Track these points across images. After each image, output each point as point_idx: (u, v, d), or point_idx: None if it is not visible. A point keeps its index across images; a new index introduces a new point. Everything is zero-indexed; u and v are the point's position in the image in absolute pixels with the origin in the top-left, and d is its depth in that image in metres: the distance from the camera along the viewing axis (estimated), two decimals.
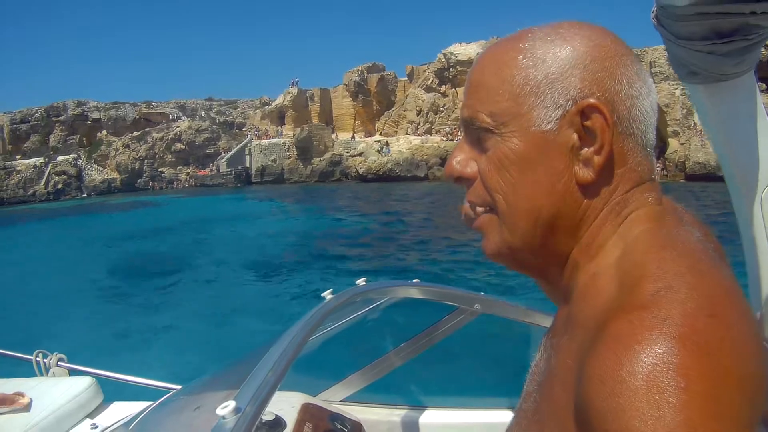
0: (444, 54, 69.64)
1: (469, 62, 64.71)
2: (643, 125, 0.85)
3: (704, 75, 1.73)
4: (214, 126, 77.69)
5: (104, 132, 78.88)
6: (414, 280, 3.01)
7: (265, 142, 71.71)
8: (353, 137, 71.42)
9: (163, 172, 74.81)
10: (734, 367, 0.65)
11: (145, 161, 74.43)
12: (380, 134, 71.88)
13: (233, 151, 71.17)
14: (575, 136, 0.84)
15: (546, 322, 2.84)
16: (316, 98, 78.89)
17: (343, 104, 77.28)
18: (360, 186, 57.63)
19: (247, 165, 70.61)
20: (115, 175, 75.20)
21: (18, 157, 75.41)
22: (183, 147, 74.67)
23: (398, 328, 3.28)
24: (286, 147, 70.02)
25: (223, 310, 14.55)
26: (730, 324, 0.68)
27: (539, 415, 0.88)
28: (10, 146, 77.33)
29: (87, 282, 19.28)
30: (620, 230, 0.85)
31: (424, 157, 61.01)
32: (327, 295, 2.54)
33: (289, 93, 78.72)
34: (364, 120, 75.70)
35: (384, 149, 64.07)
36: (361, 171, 62.46)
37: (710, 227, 0.96)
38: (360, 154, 64.94)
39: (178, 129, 75.76)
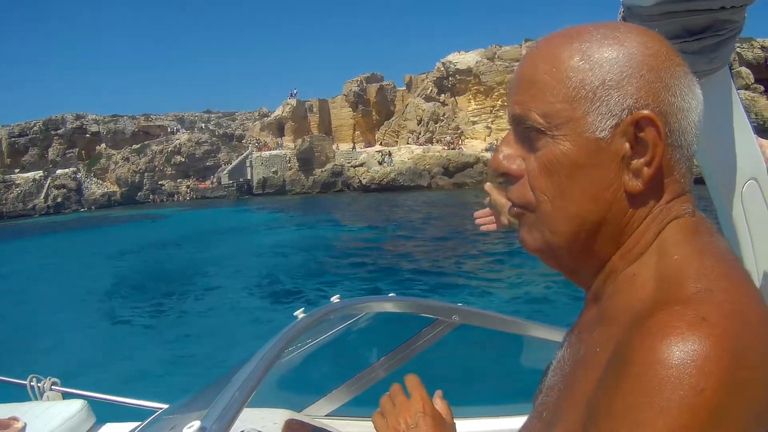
0: (443, 63, 69.77)
1: (467, 71, 65.19)
2: (690, 138, 0.86)
3: None
4: (214, 138, 77.74)
5: (103, 145, 78.65)
6: (390, 294, 3.09)
7: (266, 153, 71.65)
8: (354, 148, 71.53)
9: (164, 185, 74.61)
10: (756, 371, 0.67)
11: (145, 174, 74.26)
12: (380, 144, 72.02)
13: (234, 163, 71.11)
14: (627, 145, 0.83)
15: (527, 329, 2.93)
16: (315, 109, 78.96)
17: (342, 115, 77.36)
18: (364, 196, 57.48)
19: (249, 177, 70.64)
20: (115, 188, 74.96)
21: (16, 170, 75.18)
22: (183, 159, 74.56)
23: (380, 342, 3.29)
24: (287, 158, 70.03)
25: (230, 327, 14.24)
26: (759, 333, 0.71)
27: (561, 401, 0.89)
28: (8, 160, 77.01)
29: (89, 299, 18.92)
30: (660, 237, 0.86)
31: (427, 166, 60.98)
32: (299, 314, 2.58)
33: (288, 104, 78.80)
34: (364, 130, 75.76)
35: (386, 159, 64.09)
36: (364, 181, 62.36)
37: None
38: (362, 165, 64.95)
39: (178, 141, 75.68)
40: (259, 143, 75.16)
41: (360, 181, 62.75)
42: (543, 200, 0.88)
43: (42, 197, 72.75)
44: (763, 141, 2.00)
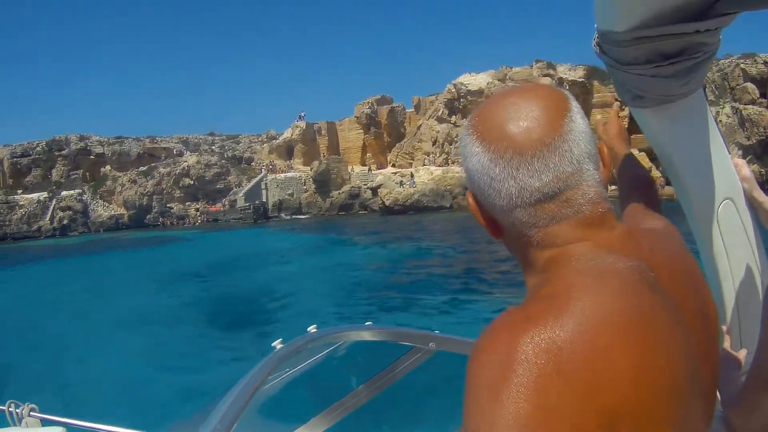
0: (454, 84, 69.67)
1: (479, 92, 65.17)
2: (487, 191, 1.02)
3: (649, 98, 1.78)
4: (223, 161, 76.61)
5: (108, 167, 77.23)
6: (367, 323, 3.21)
7: (281, 176, 70.90)
8: (370, 169, 71.00)
9: (172, 208, 73.19)
10: (553, 389, 0.76)
11: (154, 197, 72.82)
12: (392, 166, 71.55)
13: (250, 185, 70.01)
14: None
15: None
16: (323, 131, 78.61)
17: (350, 137, 77.02)
18: (385, 218, 56.82)
19: (264, 199, 69.59)
20: (123, 210, 73.40)
21: (19, 191, 73.68)
22: (192, 182, 73.30)
23: (358, 369, 3.30)
24: (303, 180, 69.32)
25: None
26: (588, 338, 0.80)
27: None
28: (11, 180, 75.27)
29: (158, 321, 18.39)
30: (551, 257, 0.99)
31: (448, 187, 60.62)
32: (277, 344, 2.69)
33: (297, 127, 78.24)
34: (375, 152, 75.25)
35: (409, 181, 63.62)
36: (387, 202, 61.52)
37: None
38: (380, 186, 64.35)
39: (186, 164, 74.42)
40: (272, 166, 74.29)
41: (383, 203, 62.07)
42: None
43: (48, 219, 71.27)
44: (738, 160, 2.03)
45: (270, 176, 70.88)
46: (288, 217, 66.16)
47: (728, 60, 56.15)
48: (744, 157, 51.13)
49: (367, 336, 3.10)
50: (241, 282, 25.33)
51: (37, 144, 77.11)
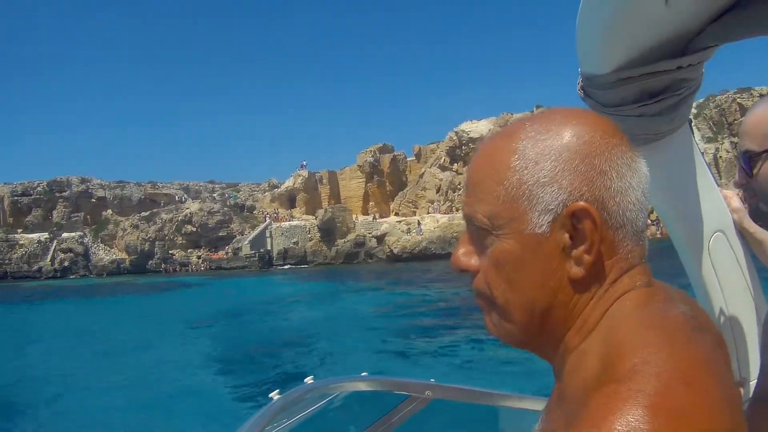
0: (456, 132, 70.76)
1: (481, 139, 65.66)
2: (633, 215, 0.89)
3: (637, 138, 1.76)
4: (225, 208, 76.58)
5: (110, 211, 76.95)
6: (362, 374, 3.18)
7: (285, 224, 70.82)
8: (374, 218, 71.25)
9: (174, 254, 72.56)
10: (706, 430, 0.71)
11: (156, 242, 72.21)
12: (394, 214, 72.03)
13: (255, 233, 69.80)
14: (567, 236, 0.88)
15: (504, 401, 3.07)
16: (324, 180, 79.26)
17: (351, 186, 77.74)
18: (393, 265, 56.50)
19: (269, 247, 69.28)
20: (124, 255, 72.72)
21: (19, 230, 72.97)
22: (194, 229, 72.94)
23: (355, 420, 3.29)
24: (307, 229, 69.21)
25: None
26: (704, 391, 0.75)
27: None
28: (10, 219, 74.66)
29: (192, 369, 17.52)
30: (609, 312, 0.90)
31: (455, 234, 60.55)
32: (274, 395, 2.74)
33: (299, 176, 78.96)
34: (378, 201, 75.85)
35: (416, 228, 63.93)
36: (396, 250, 61.66)
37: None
38: (385, 235, 64.62)
39: (188, 211, 74.29)
40: (276, 214, 74.46)
41: (391, 251, 62.13)
42: (497, 294, 0.93)
43: (48, 260, 70.55)
44: (728, 192, 2.05)
45: (275, 224, 70.84)
46: (291, 266, 65.98)
47: (725, 95, 58.89)
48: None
49: (362, 386, 3.13)
50: (255, 328, 25.07)
51: (38, 184, 76.81)
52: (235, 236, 72.88)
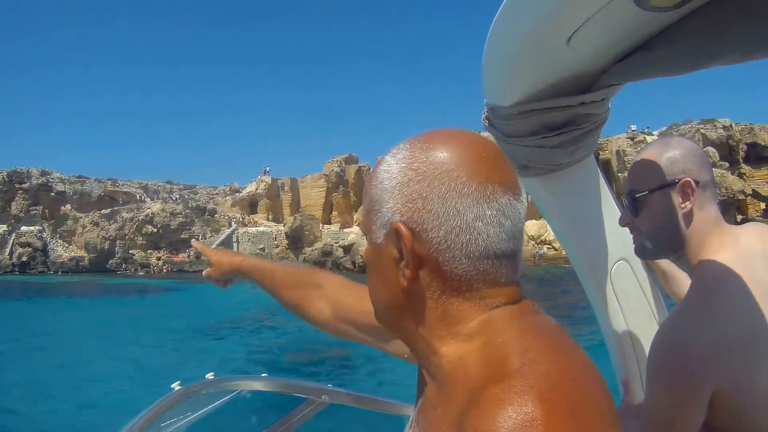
0: None
1: None
2: (465, 237, 0.92)
3: (536, 168, 1.89)
4: (187, 210, 75.61)
5: (68, 206, 74.96)
6: (262, 375, 3.24)
7: (252, 230, 70.71)
8: (342, 228, 71.67)
9: (134, 255, 71.25)
10: (593, 421, 0.79)
11: (117, 241, 70.84)
12: (357, 224, 71.85)
13: (222, 237, 69.13)
14: (395, 250, 0.97)
15: (398, 410, 3.11)
16: (286, 187, 79.06)
17: (312, 194, 77.76)
18: (361, 276, 55.96)
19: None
20: (83, 253, 70.96)
21: None
22: (155, 230, 71.85)
23: (254, 419, 3.42)
24: (274, 236, 69.12)
25: None
26: (587, 386, 0.84)
27: None
28: None
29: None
30: (485, 322, 0.95)
31: None
32: (175, 386, 2.76)
33: (263, 181, 78.63)
34: (342, 211, 76.19)
35: None
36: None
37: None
38: (352, 245, 64.82)
39: (150, 211, 73.02)
40: (242, 219, 74.02)
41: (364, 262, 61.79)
42: (369, 292, 1.09)
43: (7, 254, 68.34)
44: None
45: (241, 229, 70.44)
46: None
47: (689, 125, 59.81)
48: None
49: (260, 386, 3.16)
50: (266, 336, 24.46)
51: None
52: (197, 239, 71.06)
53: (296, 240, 66.95)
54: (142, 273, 68.63)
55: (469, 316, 0.95)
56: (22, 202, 73.61)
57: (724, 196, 52.76)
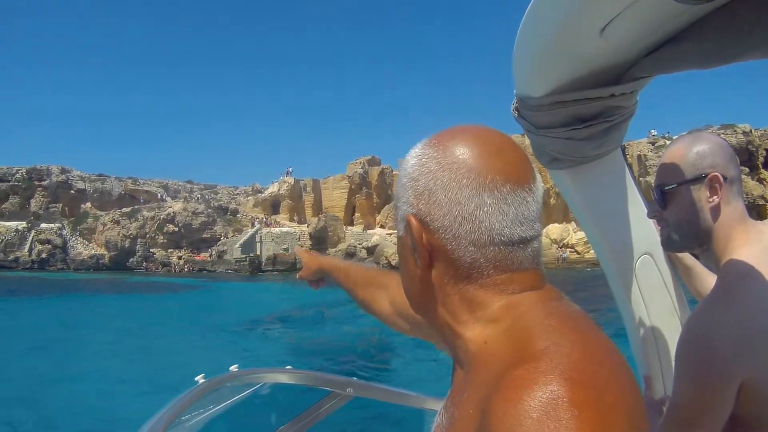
0: None
1: None
2: (468, 226, 0.96)
3: (565, 160, 1.87)
4: (209, 210, 74.74)
5: (89, 204, 74.49)
6: (287, 367, 3.24)
7: (276, 230, 69.85)
8: (365, 229, 70.99)
9: (155, 253, 70.44)
10: (618, 403, 0.79)
11: (138, 240, 69.99)
12: (380, 227, 72.02)
13: (245, 237, 68.26)
14: (410, 241, 1.01)
15: (422, 403, 3.11)
16: (309, 188, 78.45)
17: (333, 196, 77.16)
18: None
19: (258, 252, 67.88)
20: (103, 251, 70.32)
21: None
22: (176, 229, 70.98)
23: (278, 411, 3.33)
24: (297, 236, 68.14)
25: None
26: (612, 369, 0.84)
27: None
28: None
29: None
30: (510, 307, 0.97)
31: None
32: (199, 379, 2.77)
33: (285, 182, 77.91)
34: (365, 212, 75.36)
35: None
36: (394, 262, 60.50)
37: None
38: (375, 246, 64.26)
39: (171, 210, 72.22)
40: (266, 219, 73.23)
41: (389, 262, 61.39)
42: (400, 275, 1.12)
43: (26, 250, 67.91)
44: None
45: (264, 230, 69.66)
46: (280, 272, 64.49)
47: (709, 130, 58.40)
48: None
49: (285, 379, 3.17)
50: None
51: (17, 170, 73.94)
52: (218, 239, 71.42)
53: (320, 241, 65.89)
54: (163, 271, 68.02)
55: (489, 301, 0.98)
56: (42, 199, 73.06)
57: (744, 201, 51.72)
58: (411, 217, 0.99)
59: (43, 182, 73.57)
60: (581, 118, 1.65)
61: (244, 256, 66.29)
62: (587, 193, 2.01)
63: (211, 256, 69.45)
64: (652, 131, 65.82)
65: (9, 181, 72.73)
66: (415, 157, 1.02)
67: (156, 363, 17.57)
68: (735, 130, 58.15)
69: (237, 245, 67.67)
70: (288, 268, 65.23)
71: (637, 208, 2.07)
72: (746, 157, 56.40)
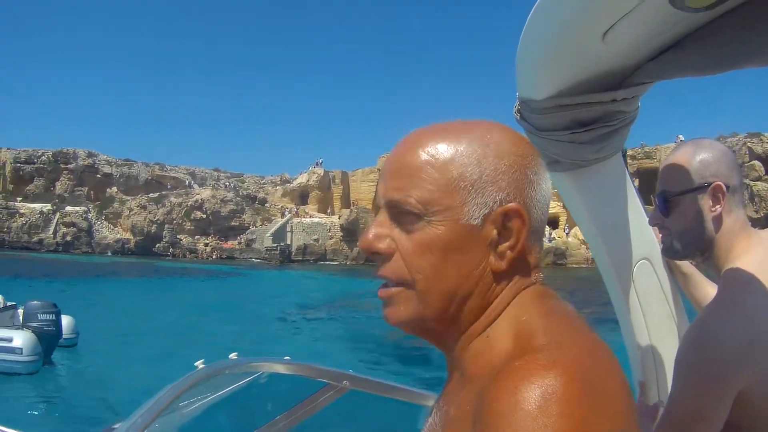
0: None
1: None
2: (543, 222, 0.99)
3: (565, 163, 1.87)
4: (238, 198, 73.24)
5: (115, 188, 73.40)
6: (285, 358, 3.31)
7: (307, 220, 68.58)
8: None
9: (181, 240, 69.08)
10: (612, 404, 0.79)
11: (165, 226, 68.61)
12: None
13: (276, 227, 67.02)
14: (495, 232, 0.94)
15: (417, 399, 3.12)
16: (337, 180, 76.91)
17: (361, 188, 75.28)
18: None
19: (288, 242, 66.75)
20: (129, 236, 69.11)
21: (19, 199, 69.18)
22: (204, 216, 69.46)
23: (275, 401, 3.38)
24: (328, 228, 67.08)
25: None
26: (610, 369, 0.84)
27: None
28: (11, 186, 70.35)
29: None
30: (513, 302, 0.96)
31: None
32: (199, 364, 2.84)
33: (314, 173, 76.14)
34: None
35: None
36: None
37: None
38: None
39: (199, 197, 70.74)
40: (297, 210, 71.86)
41: None
42: (419, 278, 0.95)
43: (51, 232, 66.68)
44: None
45: (295, 220, 68.50)
46: (311, 262, 64.00)
47: (735, 138, 58.54)
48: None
49: (282, 369, 3.21)
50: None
51: (43, 153, 72.59)
52: (247, 227, 69.96)
53: (351, 233, 64.36)
54: (190, 258, 66.64)
55: (505, 296, 0.97)
56: (67, 182, 71.73)
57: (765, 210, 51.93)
58: (520, 208, 0.94)
59: (69, 165, 72.31)
60: (582, 121, 1.63)
61: (275, 245, 64.98)
62: (586, 196, 1.99)
63: (240, 244, 68.11)
64: (680, 136, 62.98)
65: (35, 164, 71.49)
66: (511, 145, 0.97)
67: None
68: (761, 139, 56.70)
69: (268, 234, 66.45)
70: (317, 258, 64.20)
71: (636, 213, 2.05)
72: None
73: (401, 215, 0.96)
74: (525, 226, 0.94)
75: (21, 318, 14.91)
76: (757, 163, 54.31)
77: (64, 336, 15.66)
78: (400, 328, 1.00)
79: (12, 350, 13.75)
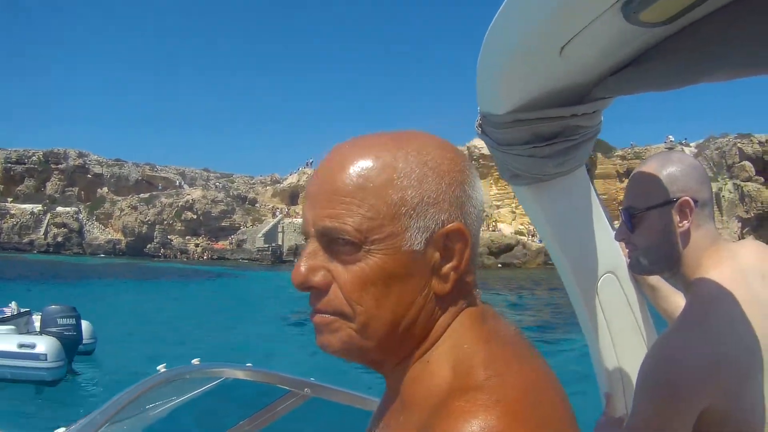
0: (467, 147, 68.55)
1: (491, 156, 64.34)
2: (479, 237, 0.96)
3: (526, 177, 1.85)
4: (228, 198, 73.29)
5: (105, 189, 73.25)
6: (247, 364, 3.35)
7: (298, 221, 67.80)
8: None
9: (172, 240, 69.06)
10: None
11: (156, 226, 68.59)
12: None
13: (268, 227, 67.11)
14: (438, 255, 0.90)
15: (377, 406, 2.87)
16: None
17: None
18: None
19: (279, 242, 66.89)
20: (120, 236, 69.03)
21: (9, 199, 68.93)
22: (194, 216, 69.45)
23: (237, 407, 3.43)
24: None
25: None
26: (552, 402, 0.83)
27: None
28: (1, 186, 70.16)
29: None
30: (453, 325, 0.93)
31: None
32: (161, 368, 2.87)
33: (304, 173, 75.95)
34: None
35: None
36: None
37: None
38: None
39: (190, 197, 70.71)
40: (287, 210, 71.98)
41: None
42: (359, 310, 0.89)
43: (42, 233, 66.61)
44: None
45: (286, 220, 68.56)
46: (293, 260, 62.13)
47: (726, 139, 59.87)
48: (742, 229, 55.47)
49: (243, 376, 3.23)
50: None
51: (33, 153, 72.42)
52: (237, 227, 70.09)
53: None
54: (181, 258, 66.58)
55: (444, 318, 0.94)
56: (58, 183, 71.69)
57: (760, 210, 52.99)
58: (463, 228, 0.90)
59: (59, 166, 72.23)
60: (543, 136, 1.61)
61: (266, 245, 65.00)
62: (549, 209, 1.95)
63: (230, 244, 68.18)
64: (670, 137, 65.24)
65: (25, 164, 71.36)
66: (421, 158, 0.90)
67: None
68: (752, 140, 57.47)
69: (260, 234, 66.50)
70: None
71: (601, 226, 2.02)
72: (762, 166, 56.09)
73: (337, 245, 0.89)
74: (468, 245, 0.91)
75: (38, 324, 14.19)
76: (747, 163, 55.30)
77: (83, 341, 14.79)
78: (334, 356, 0.96)
79: (36, 357, 12.95)
